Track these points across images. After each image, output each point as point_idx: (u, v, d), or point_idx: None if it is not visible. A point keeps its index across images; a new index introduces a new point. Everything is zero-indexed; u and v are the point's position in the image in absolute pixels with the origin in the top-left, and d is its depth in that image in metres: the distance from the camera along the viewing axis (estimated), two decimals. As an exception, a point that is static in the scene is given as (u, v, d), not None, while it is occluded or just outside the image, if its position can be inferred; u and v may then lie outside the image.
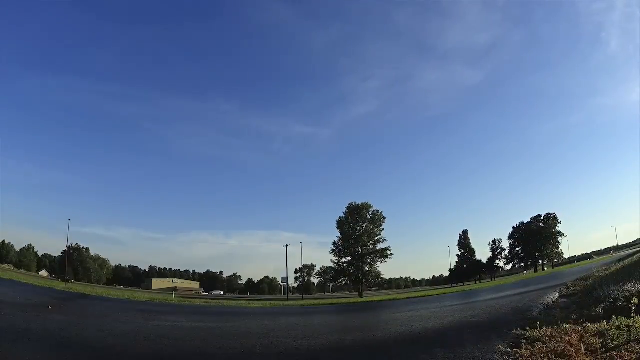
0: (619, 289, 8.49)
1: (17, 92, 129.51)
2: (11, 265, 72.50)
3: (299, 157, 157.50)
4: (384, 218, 57.09)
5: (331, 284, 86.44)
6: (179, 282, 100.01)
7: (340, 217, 57.16)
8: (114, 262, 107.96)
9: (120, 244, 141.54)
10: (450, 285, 75.17)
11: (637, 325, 5.23)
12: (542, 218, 76.71)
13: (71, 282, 48.86)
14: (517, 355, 4.97)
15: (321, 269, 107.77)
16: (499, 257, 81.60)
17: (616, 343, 4.70)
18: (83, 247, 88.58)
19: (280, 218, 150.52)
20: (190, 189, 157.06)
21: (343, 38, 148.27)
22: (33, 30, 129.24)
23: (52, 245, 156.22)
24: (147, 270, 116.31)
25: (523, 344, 5.51)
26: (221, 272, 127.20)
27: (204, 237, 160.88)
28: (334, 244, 57.24)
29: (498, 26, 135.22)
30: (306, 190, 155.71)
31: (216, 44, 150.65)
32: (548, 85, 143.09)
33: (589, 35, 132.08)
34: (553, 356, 4.66)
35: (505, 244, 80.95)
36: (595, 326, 5.67)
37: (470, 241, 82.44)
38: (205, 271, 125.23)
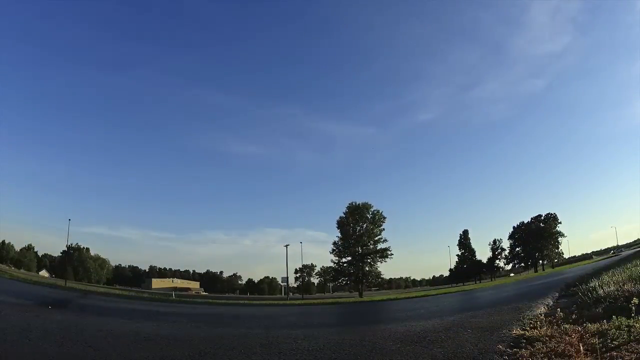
0: (619, 288, 8.48)
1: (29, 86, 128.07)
2: (11, 265, 72.48)
3: (351, 159, 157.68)
4: (384, 218, 57.13)
5: (331, 284, 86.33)
6: (179, 282, 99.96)
7: (340, 217, 57.19)
8: (122, 263, 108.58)
9: (127, 244, 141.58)
10: (450, 285, 75.21)
11: (637, 325, 5.23)
12: (542, 218, 76.69)
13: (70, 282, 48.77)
14: (517, 355, 4.97)
15: (321, 269, 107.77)
16: (499, 257, 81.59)
17: (616, 343, 4.70)
18: (83, 247, 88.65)
19: (312, 218, 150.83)
20: (209, 188, 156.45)
21: (426, 40, 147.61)
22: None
23: (52, 246, 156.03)
24: (147, 270, 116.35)
25: (523, 344, 5.51)
26: (221, 272, 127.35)
27: (217, 237, 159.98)
28: (334, 243, 57.33)
29: (567, 35, 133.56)
30: (352, 192, 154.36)
31: (289, 45, 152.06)
32: (578, 94, 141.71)
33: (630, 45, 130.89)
34: (553, 356, 4.65)
35: (506, 244, 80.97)
36: (595, 326, 5.67)
37: (471, 241, 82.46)
38: (205, 271, 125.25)
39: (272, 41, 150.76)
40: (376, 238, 56.15)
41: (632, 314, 5.73)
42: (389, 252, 55.83)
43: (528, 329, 6.47)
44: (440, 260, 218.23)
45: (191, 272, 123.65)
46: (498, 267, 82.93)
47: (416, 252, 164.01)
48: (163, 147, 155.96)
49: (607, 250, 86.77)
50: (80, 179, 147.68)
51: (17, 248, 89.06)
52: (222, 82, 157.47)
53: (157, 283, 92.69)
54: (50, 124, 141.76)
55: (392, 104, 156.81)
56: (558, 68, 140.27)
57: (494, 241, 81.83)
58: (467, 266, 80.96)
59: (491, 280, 67.98)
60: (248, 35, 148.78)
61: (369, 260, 55.88)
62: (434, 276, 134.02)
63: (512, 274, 71.04)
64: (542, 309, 9.80)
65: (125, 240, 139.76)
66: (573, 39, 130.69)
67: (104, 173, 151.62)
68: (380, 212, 56.90)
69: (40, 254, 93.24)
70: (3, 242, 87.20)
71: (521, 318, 8.32)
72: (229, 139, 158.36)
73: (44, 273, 79.69)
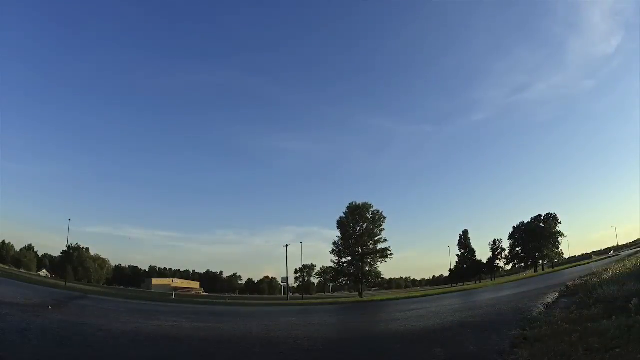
0: (619, 288, 8.48)
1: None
2: (11, 265, 72.49)
3: (400, 159, 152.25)
4: (384, 218, 56.95)
5: (331, 284, 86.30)
6: (179, 282, 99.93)
7: (340, 217, 57.04)
8: (122, 263, 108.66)
9: (133, 244, 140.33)
10: (450, 285, 75.24)
11: (637, 325, 5.22)
12: (542, 218, 76.44)
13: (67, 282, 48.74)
14: (517, 355, 4.97)
15: (321, 269, 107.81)
16: (499, 257, 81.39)
17: (616, 343, 4.69)
18: (83, 247, 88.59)
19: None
20: (225, 187, 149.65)
21: (495, 38, 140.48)
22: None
23: (53, 246, 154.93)
24: (147, 270, 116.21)
25: (523, 344, 5.50)
26: (221, 272, 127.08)
27: (227, 237, 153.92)
28: (334, 243, 57.12)
29: (618, 36, 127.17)
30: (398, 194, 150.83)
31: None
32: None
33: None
34: (553, 356, 4.65)
35: (506, 244, 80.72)
36: (595, 326, 5.67)
37: (471, 241, 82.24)
38: (205, 271, 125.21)
39: (335, 37, 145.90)
40: (376, 238, 56.04)
41: (632, 314, 5.73)
42: (389, 252, 55.70)
43: (528, 329, 6.46)
44: (440, 260, 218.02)
45: (191, 272, 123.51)
46: (498, 267, 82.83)
47: (416, 252, 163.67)
48: (187, 143, 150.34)
49: (606, 251, 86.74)
50: (84, 178, 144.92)
51: (17, 248, 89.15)
52: (274, 75, 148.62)
53: (157, 283, 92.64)
54: (52, 122, 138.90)
55: (454, 102, 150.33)
56: (608, 70, 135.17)
57: (494, 241, 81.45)
58: (467, 266, 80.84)
59: (491, 281, 67.95)
60: (310, 32, 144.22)
61: (369, 260, 55.78)
62: (434, 276, 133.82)
63: (525, 273, 71.40)
64: (542, 309, 9.80)
65: (130, 240, 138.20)
66: (623, 41, 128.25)
67: (109, 171, 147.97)
68: (381, 212, 56.89)
69: (40, 253, 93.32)
70: (3, 242, 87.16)
71: (521, 318, 8.32)
72: (271, 135, 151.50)
73: (44, 273, 79.68)
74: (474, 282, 71.13)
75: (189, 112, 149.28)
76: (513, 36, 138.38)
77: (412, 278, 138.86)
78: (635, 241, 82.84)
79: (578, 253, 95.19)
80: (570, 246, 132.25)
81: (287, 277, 66.14)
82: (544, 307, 10.18)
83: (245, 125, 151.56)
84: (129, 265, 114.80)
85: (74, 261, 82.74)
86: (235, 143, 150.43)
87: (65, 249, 75.83)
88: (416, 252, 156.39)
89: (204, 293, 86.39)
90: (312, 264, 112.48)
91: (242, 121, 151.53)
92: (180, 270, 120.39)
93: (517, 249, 78.99)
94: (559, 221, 74.88)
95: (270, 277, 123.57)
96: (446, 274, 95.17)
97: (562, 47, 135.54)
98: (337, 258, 57.32)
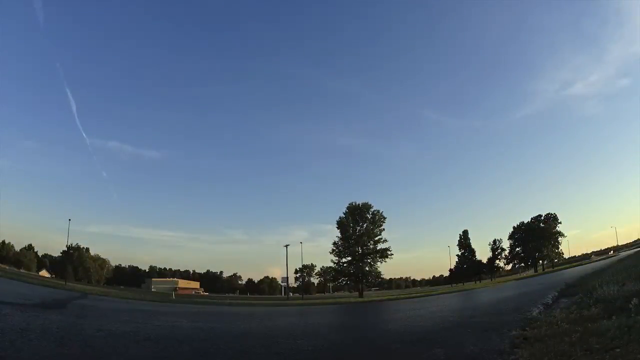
0: (619, 288, 8.48)
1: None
2: (11, 265, 72.50)
3: (440, 156, 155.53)
4: (384, 218, 57.10)
5: (331, 284, 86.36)
6: (179, 282, 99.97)
7: (340, 217, 57.16)
8: (122, 263, 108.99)
9: (132, 244, 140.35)
10: (450, 285, 75.24)
11: (637, 325, 5.22)
12: (542, 218, 76.56)
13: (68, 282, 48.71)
14: (517, 355, 4.97)
15: (321, 269, 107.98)
16: (499, 257, 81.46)
17: (616, 343, 4.69)
18: (83, 247, 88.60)
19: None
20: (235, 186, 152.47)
21: (549, 35, 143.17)
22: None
23: (52, 245, 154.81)
24: (147, 270, 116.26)
25: (523, 344, 5.50)
26: (221, 272, 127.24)
27: (237, 237, 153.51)
28: (334, 243, 57.27)
29: None
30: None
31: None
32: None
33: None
34: (553, 356, 4.65)
35: (506, 244, 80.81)
36: (595, 326, 5.67)
37: (471, 241, 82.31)
38: (205, 271, 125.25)
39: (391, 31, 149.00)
40: (376, 238, 56.15)
41: (632, 314, 5.73)
42: (389, 252, 55.85)
43: (528, 329, 6.46)
44: (440, 260, 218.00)
45: (191, 272, 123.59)
46: (498, 267, 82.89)
47: (416, 252, 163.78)
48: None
49: (606, 251, 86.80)
50: (84, 177, 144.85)
51: (17, 248, 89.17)
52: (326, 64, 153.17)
53: (157, 283, 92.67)
54: (52, 120, 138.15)
55: (505, 97, 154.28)
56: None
57: (494, 241, 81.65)
58: (467, 266, 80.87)
59: (491, 280, 67.95)
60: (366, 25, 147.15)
61: (369, 260, 55.92)
62: (434, 276, 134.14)
63: (525, 273, 71.54)
64: (542, 309, 9.80)
65: (131, 240, 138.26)
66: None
67: (110, 169, 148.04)
68: (380, 212, 57.03)
69: (40, 254, 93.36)
70: (3, 242, 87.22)
71: (521, 318, 8.32)
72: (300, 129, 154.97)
73: (44, 273, 79.69)
74: (474, 282, 71.15)
75: (194, 106, 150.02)
76: (563, 35, 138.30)
77: (412, 278, 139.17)
78: (635, 241, 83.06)
79: (578, 253, 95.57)
80: (570, 246, 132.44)
81: (287, 277, 66.25)
82: (544, 307, 10.18)
83: (266, 115, 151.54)
84: (129, 265, 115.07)
85: (74, 261, 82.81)
86: (254, 136, 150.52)
87: (65, 249, 75.89)
88: (416, 252, 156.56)
89: (205, 293, 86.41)
90: (312, 264, 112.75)
91: (265, 110, 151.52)
92: (181, 270, 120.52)
93: (517, 249, 79.08)
94: (559, 221, 75.14)
95: (270, 277, 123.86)
96: (446, 274, 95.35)
97: (603, 46, 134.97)
98: (337, 258, 57.46)
